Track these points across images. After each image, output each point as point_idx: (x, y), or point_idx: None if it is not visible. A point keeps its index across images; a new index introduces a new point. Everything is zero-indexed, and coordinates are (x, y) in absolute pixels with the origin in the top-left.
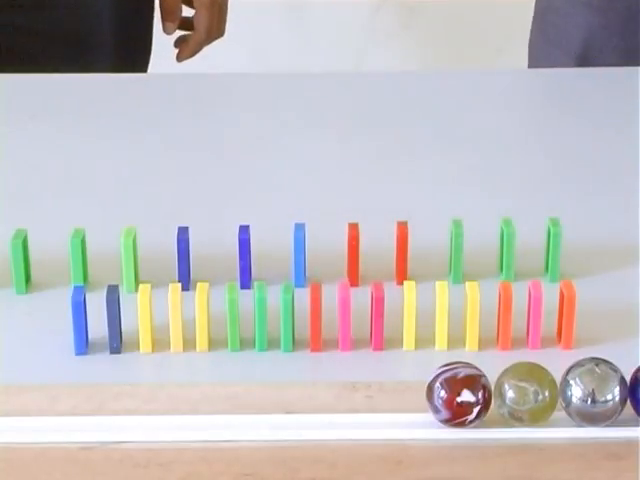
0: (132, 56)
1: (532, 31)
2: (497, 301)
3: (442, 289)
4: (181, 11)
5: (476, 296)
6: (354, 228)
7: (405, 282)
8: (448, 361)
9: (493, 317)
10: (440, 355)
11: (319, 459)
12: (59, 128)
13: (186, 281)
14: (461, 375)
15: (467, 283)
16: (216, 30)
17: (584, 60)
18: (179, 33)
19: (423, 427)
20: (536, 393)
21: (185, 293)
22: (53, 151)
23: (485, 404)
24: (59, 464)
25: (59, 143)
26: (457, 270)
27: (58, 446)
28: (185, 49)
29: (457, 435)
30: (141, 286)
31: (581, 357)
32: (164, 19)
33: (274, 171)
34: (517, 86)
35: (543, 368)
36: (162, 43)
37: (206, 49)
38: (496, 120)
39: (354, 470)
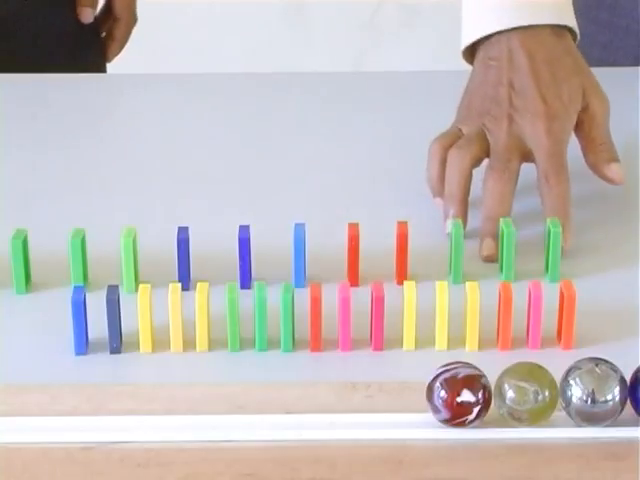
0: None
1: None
2: (497, 301)
3: (442, 289)
4: None
5: (476, 296)
6: (354, 228)
7: (405, 282)
8: (448, 361)
9: (493, 317)
10: (440, 355)
11: (319, 459)
12: (59, 128)
13: (186, 281)
14: (461, 375)
15: (467, 283)
16: (135, 16)
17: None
18: None
19: (423, 427)
20: (536, 393)
21: (185, 293)
22: (53, 151)
23: (485, 404)
24: (59, 464)
25: (59, 143)
26: (457, 270)
27: (58, 446)
28: (113, 45)
29: (457, 435)
30: (141, 286)
31: (581, 357)
32: (80, 4)
33: (274, 171)
34: None
35: (543, 368)
36: (160, 43)
37: (206, 49)
38: None
39: (354, 470)
